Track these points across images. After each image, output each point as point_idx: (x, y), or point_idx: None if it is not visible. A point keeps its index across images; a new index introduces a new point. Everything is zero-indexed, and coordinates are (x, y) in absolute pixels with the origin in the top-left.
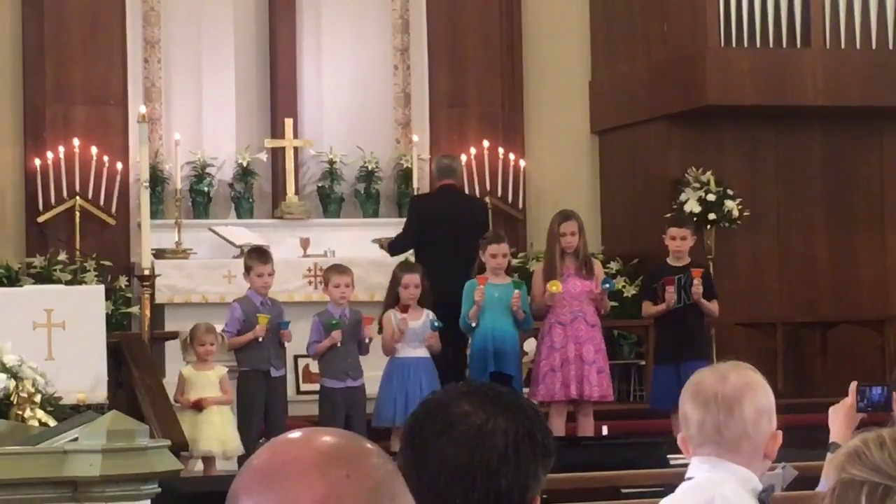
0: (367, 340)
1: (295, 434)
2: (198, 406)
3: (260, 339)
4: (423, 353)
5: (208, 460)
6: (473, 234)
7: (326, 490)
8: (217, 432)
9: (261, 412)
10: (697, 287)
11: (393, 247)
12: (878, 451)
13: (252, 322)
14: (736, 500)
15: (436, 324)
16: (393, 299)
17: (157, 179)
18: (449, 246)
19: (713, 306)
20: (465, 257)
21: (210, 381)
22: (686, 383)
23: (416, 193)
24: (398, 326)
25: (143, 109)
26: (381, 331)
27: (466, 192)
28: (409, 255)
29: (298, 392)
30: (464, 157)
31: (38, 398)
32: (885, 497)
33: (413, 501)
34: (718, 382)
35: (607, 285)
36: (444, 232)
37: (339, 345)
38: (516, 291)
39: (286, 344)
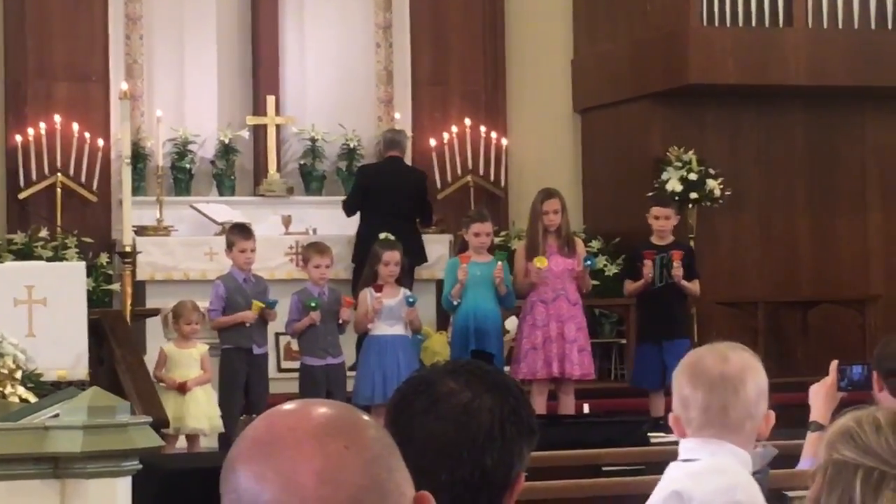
0: (340, 321)
1: (292, 405)
2: (181, 389)
3: (247, 325)
4: (399, 330)
5: (192, 438)
6: (413, 201)
7: (324, 461)
8: (203, 409)
9: (242, 389)
10: (678, 269)
11: (344, 207)
12: (873, 434)
13: (235, 299)
14: (754, 489)
15: (411, 299)
16: (372, 276)
17: (139, 156)
18: (390, 211)
19: (694, 286)
20: (405, 221)
21: (192, 358)
22: (681, 364)
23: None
24: (372, 306)
25: (124, 86)
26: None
27: (410, 163)
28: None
29: (280, 370)
30: (445, 136)
31: (18, 374)
32: (880, 483)
33: (409, 474)
34: (720, 362)
35: (588, 262)
36: (386, 198)
37: (317, 324)
38: (499, 263)
39: (269, 322)
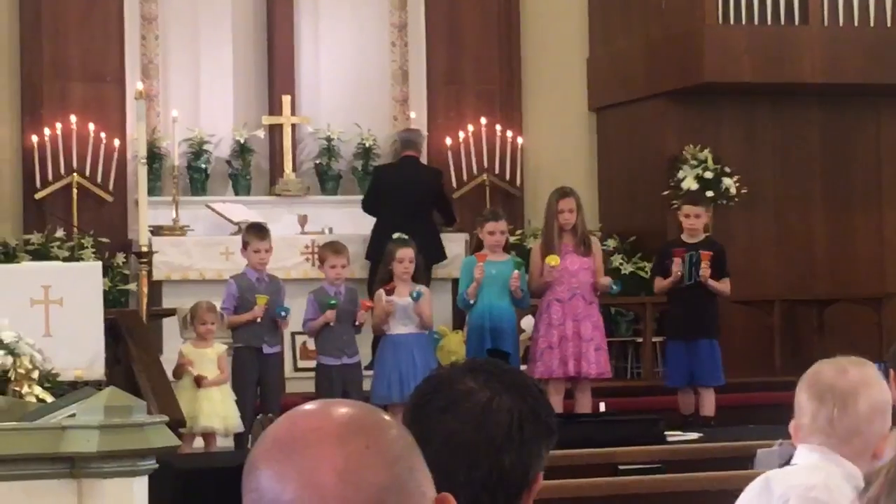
0: (357, 323)
1: (314, 405)
2: (197, 382)
3: (258, 320)
4: (413, 328)
5: (208, 437)
6: (429, 199)
7: (346, 460)
8: (217, 408)
9: (254, 388)
10: (706, 270)
11: (364, 208)
12: None
13: (247, 298)
14: (837, 492)
15: (414, 294)
16: (387, 275)
17: (155, 156)
18: (407, 210)
19: (724, 286)
20: (421, 220)
21: (209, 358)
22: (806, 373)
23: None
24: (384, 309)
25: (140, 86)
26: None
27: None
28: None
29: (296, 369)
30: (461, 135)
31: (35, 374)
32: None
33: (430, 475)
34: (837, 375)
35: (613, 289)
36: (403, 197)
37: (332, 323)
38: (515, 272)
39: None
